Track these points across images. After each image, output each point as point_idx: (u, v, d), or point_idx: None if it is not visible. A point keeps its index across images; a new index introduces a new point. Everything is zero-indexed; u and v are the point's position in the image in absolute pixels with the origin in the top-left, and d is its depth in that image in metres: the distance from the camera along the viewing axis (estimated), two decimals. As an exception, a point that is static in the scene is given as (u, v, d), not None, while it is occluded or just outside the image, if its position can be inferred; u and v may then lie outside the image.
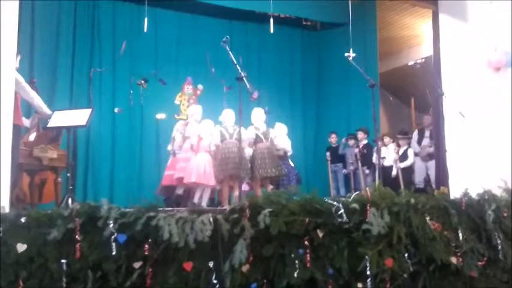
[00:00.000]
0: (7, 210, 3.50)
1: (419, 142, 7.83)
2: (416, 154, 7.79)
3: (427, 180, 7.50)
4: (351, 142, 8.39)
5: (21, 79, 4.55)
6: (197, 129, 6.36)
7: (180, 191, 6.68)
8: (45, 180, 5.61)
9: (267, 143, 6.37)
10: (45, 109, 5.06)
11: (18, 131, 4.39)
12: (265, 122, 6.63)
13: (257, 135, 6.36)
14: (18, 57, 4.39)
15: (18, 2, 3.96)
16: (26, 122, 5.34)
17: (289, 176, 7.00)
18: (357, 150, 8.16)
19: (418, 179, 7.68)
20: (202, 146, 6.24)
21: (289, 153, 7.15)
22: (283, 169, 6.43)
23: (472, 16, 5.59)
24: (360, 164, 8.07)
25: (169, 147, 7.07)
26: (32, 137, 5.37)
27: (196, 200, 6.15)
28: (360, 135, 8.27)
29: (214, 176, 6.13)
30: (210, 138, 6.22)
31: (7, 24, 3.84)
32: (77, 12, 8.10)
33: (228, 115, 6.34)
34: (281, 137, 6.73)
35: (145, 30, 6.58)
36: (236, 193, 5.75)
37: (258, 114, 6.53)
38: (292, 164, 7.25)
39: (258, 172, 6.13)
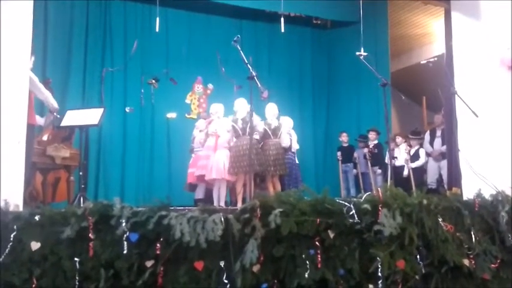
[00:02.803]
0: (21, 208, 3.54)
1: (431, 142, 7.78)
2: (428, 154, 7.74)
3: (439, 180, 7.46)
4: (361, 144, 8.37)
5: (35, 78, 4.60)
6: (214, 127, 6.39)
7: (199, 196, 6.73)
8: (59, 178, 5.67)
9: (275, 139, 6.34)
10: (55, 105, 5.11)
11: (31, 130, 4.43)
12: (278, 118, 6.60)
13: (266, 131, 6.34)
14: (32, 58, 4.43)
15: (32, 2, 3.99)
16: (40, 120, 5.39)
17: (291, 171, 6.97)
18: (366, 150, 8.13)
19: (431, 179, 7.64)
20: (220, 143, 6.28)
21: (294, 149, 7.09)
22: (286, 168, 6.42)
23: (485, 14, 5.53)
24: (369, 164, 8.04)
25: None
26: (46, 136, 5.43)
27: (215, 203, 6.17)
28: (372, 135, 8.24)
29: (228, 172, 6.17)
30: (228, 135, 6.25)
31: (22, 24, 3.88)
32: (89, 13, 8.18)
33: (242, 104, 6.28)
34: (284, 133, 6.70)
35: (157, 30, 6.60)
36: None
37: (271, 109, 6.51)
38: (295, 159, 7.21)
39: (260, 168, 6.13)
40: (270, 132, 6.34)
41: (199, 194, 6.81)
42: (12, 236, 3.08)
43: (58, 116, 5.30)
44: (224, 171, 6.12)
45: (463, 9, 5.69)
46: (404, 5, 8.45)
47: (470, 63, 5.48)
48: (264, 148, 6.27)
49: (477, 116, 4.87)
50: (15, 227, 3.10)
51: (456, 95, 5.09)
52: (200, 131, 6.80)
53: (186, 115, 8.74)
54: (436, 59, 5.67)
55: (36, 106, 5.12)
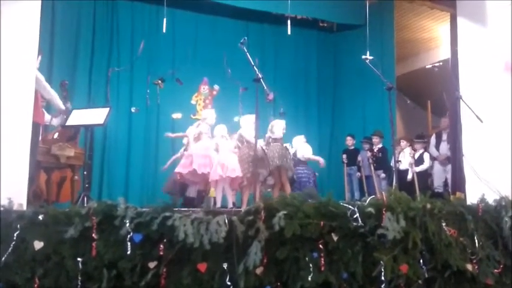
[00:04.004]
0: (24, 207, 3.56)
1: (437, 146, 7.77)
2: (434, 158, 7.73)
3: (445, 184, 7.45)
4: (366, 146, 8.36)
5: (42, 78, 4.62)
6: (221, 131, 6.40)
7: (191, 194, 6.68)
8: (65, 178, 5.69)
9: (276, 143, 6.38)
10: (61, 105, 5.14)
11: (37, 129, 4.45)
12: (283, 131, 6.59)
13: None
14: (39, 57, 4.45)
15: (40, 2, 4.02)
16: (54, 120, 5.43)
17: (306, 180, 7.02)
18: (369, 154, 8.12)
19: (437, 183, 7.65)
20: (227, 146, 6.27)
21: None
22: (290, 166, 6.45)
23: (491, 19, 5.52)
24: (372, 168, 8.03)
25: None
26: (57, 134, 5.47)
27: (218, 203, 6.16)
28: (375, 139, 8.23)
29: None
30: (232, 141, 6.27)
31: (29, 24, 3.90)
32: (96, 13, 8.21)
33: (246, 121, 6.31)
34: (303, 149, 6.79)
35: (164, 30, 6.61)
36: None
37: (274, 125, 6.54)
38: (322, 165, 7.24)
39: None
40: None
41: (191, 192, 6.75)
42: (15, 235, 3.09)
43: (64, 116, 5.34)
44: (233, 171, 6.11)
45: (469, 14, 5.69)
46: (411, 9, 8.43)
47: (475, 69, 5.48)
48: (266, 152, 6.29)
49: (482, 121, 4.86)
50: (18, 226, 3.11)
51: (461, 100, 5.09)
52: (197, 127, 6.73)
53: (192, 116, 8.74)
54: (441, 63, 5.67)
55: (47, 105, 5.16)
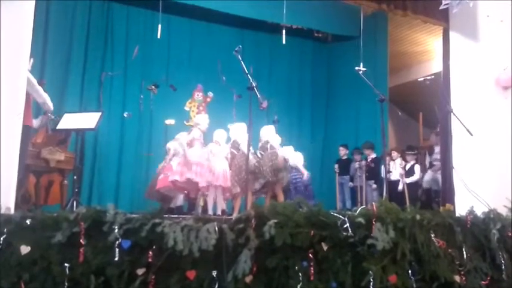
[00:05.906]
0: (12, 211, 3.52)
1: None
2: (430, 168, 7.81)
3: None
4: (357, 157, 8.39)
5: (34, 81, 4.59)
6: (216, 136, 6.39)
7: (180, 202, 6.63)
8: (52, 182, 5.64)
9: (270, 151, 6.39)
10: (51, 107, 5.08)
11: (27, 132, 4.42)
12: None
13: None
14: (31, 61, 4.43)
15: (33, 4, 4.01)
16: (35, 122, 5.37)
17: (298, 186, 7.02)
18: (363, 163, 8.15)
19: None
20: (220, 152, 6.24)
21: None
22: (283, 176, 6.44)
23: (482, 34, 5.59)
24: (364, 178, 8.05)
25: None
26: (40, 137, 5.41)
27: (210, 211, 6.13)
28: (366, 151, 8.27)
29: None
30: (226, 147, 6.26)
31: (22, 26, 3.89)
32: (91, 16, 8.19)
33: (240, 130, 6.32)
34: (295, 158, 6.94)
35: (158, 36, 6.61)
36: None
37: (267, 132, 6.57)
38: (305, 177, 7.20)
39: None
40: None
41: (180, 200, 6.70)
42: (1, 239, 3.05)
43: (53, 117, 5.28)
44: (224, 179, 6.08)
45: (461, 29, 5.76)
46: (404, 22, 8.51)
47: (466, 83, 5.54)
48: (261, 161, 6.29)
49: (472, 135, 4.90)
50: (5, 230, 3.07)
51: (452, 113, 5.13)
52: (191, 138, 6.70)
53: (185, 122, 8.72)
54: (433, 76, 5.72)
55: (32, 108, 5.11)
